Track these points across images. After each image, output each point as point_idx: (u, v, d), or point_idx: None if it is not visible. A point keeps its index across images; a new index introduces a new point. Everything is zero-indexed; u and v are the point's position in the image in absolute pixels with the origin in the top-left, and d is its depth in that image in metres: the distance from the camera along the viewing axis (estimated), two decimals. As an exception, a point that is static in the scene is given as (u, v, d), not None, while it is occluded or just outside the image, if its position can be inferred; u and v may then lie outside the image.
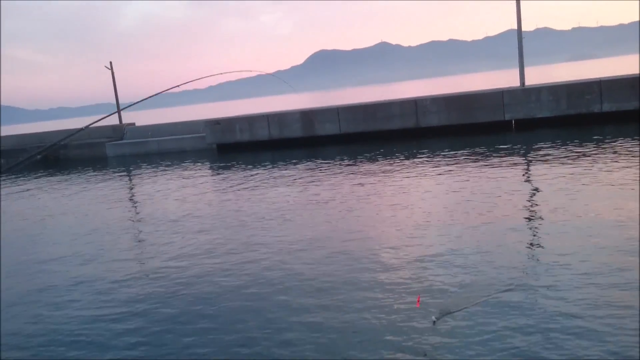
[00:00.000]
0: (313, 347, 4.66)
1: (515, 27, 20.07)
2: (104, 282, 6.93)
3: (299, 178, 13.26)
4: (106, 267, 7.60)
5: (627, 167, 10.16)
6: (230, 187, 13.16)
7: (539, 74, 67.24)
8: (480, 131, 17.88)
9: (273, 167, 15.54)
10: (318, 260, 6.89)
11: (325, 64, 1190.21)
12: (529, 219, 7.85)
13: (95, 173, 19.06)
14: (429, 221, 8.14)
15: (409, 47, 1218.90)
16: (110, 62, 27.26)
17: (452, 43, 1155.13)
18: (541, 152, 13.00)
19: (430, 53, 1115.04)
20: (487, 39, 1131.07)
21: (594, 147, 12.82)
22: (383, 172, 12.77)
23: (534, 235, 7.09)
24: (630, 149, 11.97)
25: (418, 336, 4.59)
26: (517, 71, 20.31)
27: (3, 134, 32.67)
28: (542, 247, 6.61)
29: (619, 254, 5.93)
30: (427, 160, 13.68)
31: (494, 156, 13.23)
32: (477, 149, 14.46)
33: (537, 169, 11.27)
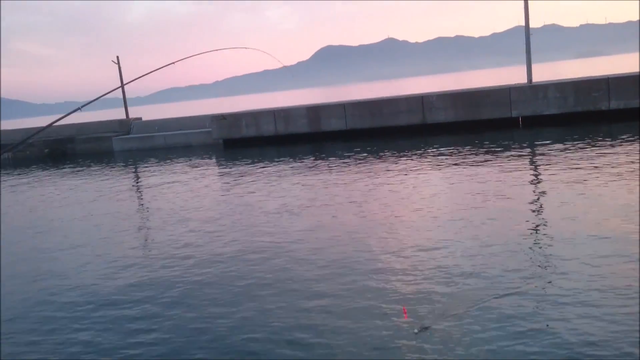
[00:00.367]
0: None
1: (522, 23, 19.98)
2: (108, 267, 7.00)
3: (305, 173, 13.27)
4: (111, 253, 7.66)
5: (634, 163, 10.12)
6: (237, 181, 13.19)
7: (547, 71, 66.92)
8: (487, 128, 17.83)
9: (279, 163, 15.55)
10: (324, 250, 6.92)
11: (332, 59, 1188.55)
12: (536, 217, 7.83)
13: (101, 167, 19.13)
14: (436, 217, 8.14)
15: (416, 43, 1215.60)
16: (117, 57, 27.33)
17: (459, 39, 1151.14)
18: (548, 150, 12.95)
19: (437, 49, 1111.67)
20: (494, 35, 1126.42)
21: (602, 144, 12.76)
22: (389, 168, 12.75)
23: (539, 234, 7.07)
24: (638, 147, 11.91)
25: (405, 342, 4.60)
26: (524, 68, 20.23)
27: (10, 127, 32.84)
28: (548, 246, 6.59)
29: (625, 254, 5.91)
30: (433, 157, 13.66)
31: (501, 153, 13.19)
32: (484, 146, 14.42)
33: (543, 167, 11.23)
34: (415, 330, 4.56)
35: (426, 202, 9.11)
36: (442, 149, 14.78)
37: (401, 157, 14.26)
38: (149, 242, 8.82)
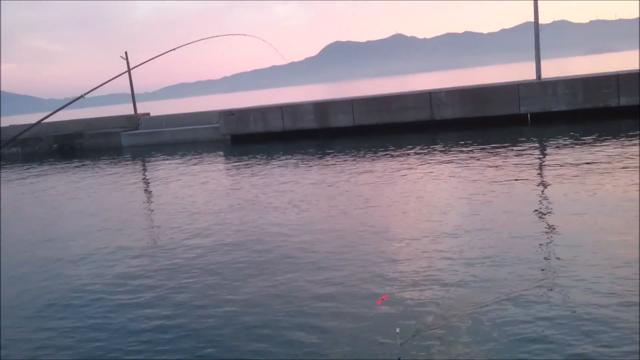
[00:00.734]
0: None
1: (532, 19, 19.87)
2: (115, 255, 7.05)
3: (313, 169, 13.28)
4: (118, 244, 7.72)
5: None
6: (244, 176, 13.22)
7: (556, 68, 66.56)
8: (495, 124, 17.75)
9: (287, 158, 15.57)
10: (331, 246, 6.93)
11: (340, 55, 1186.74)
12: (543, 215, 7.81)
13: (109, 162, 19.20)
14: (445, 212, 8.14)
15: (424, 39, 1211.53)
16: (126, 52, 27.38)
17: (468, 35, 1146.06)
18: (557, 146, 12.89)
19: (446, 45, 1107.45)
20: (503, 31, 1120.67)
21: (611, 141, 12.68)
22: (396, 164, 12.74)
23: (547, 233, 7.05)
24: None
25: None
26: (533, 64, 20.13)
27: (19, 122, 33.03)
28: (555, 245, 6.57)
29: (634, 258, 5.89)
30: (440, 154, 13.62)
31: (509, 150, 13.13)
32: (492, 143, 14.35)
33: (552, 163, 11.18)
34: (398, 330, 4.42)
35: (433, 198, 9.11)
36: (449, 145, 14.74)
37: (409, 153, 14.23)
38: (157, 234, 8.86)
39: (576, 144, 12.81)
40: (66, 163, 20.22)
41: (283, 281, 6.04)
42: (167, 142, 23.22)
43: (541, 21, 19.80)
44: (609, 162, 10.36)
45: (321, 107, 20.39)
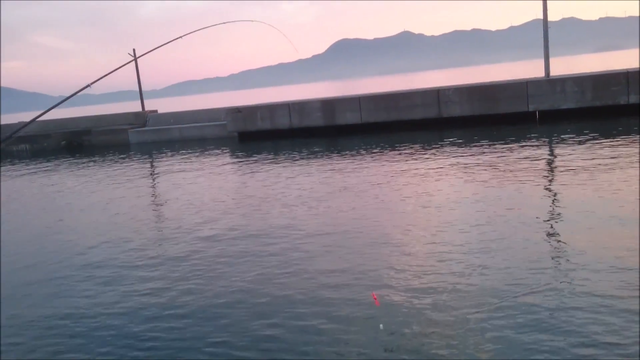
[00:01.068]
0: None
1: (540, 17, 19.75)
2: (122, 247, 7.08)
3: (320, 167, 13.26)
4: (123, 238, 7.75)
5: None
6: (252, 173, 13.23)
7: (565, 65, 66.17)
8: (504, 122, 17.66)
9: (294, 156, 15.56)
10: (339, 244, 6.92)
11: (347, 52, 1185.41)
12: (552, 214, 7.76)
13: (117, 158, 19.27)
14: (453, 209, 8.11)
15: (432, 36, 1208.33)
16: (134, 50, 27.41)
17: (476, 33, 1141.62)
18: (565, 144, 12.81)
19: (454, 43, 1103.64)
20: (512, 28, 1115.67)
21: (620, 139, 12.59)
22: (405, 162, 12.70)
23: (554, 235, 7.01)
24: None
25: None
26: (542, 62, 20.00)
27: (27, 119, 33.17)
28: (562, 247, 6.53)
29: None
30: (448, 151, 13.57)
31: (517, 148, 13.07)
32: (500, 141, 14.29)
33: (560, 161, 11.12)
34: (381, 326, 4.40)
35: (440, 196, 9.07)
36: (457, 143, 14.68)
37: (417, 151, 14.18)
38: (165, 229, 8.88)
39: (585, 142, 12.73)
40: (74, 160, 20.31)
41: (285, 275, 6.04)
42: (174, 139, 23.28)
43: (550, 18, 19.69)
44: (618, 160, 10.28)
45: (328, 105, 20.37)
